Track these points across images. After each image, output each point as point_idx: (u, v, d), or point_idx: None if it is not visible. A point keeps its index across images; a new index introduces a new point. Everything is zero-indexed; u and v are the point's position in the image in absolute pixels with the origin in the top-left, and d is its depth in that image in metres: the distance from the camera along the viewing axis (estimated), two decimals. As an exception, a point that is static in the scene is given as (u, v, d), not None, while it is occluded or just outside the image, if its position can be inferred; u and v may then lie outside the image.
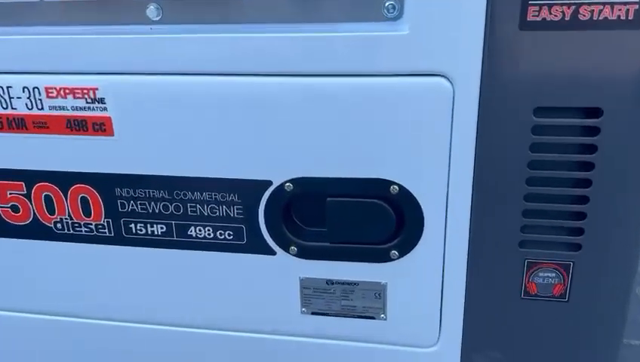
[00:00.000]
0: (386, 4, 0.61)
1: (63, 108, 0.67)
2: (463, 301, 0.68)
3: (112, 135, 0.67)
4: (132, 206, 0.71)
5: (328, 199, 0.65)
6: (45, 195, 0.73)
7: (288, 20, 0.63)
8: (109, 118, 0.67)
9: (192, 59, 0.64)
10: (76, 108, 0.67)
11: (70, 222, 0.73)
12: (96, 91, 0.66)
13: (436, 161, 0.62)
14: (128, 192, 0.70)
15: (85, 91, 0.66)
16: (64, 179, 0.71)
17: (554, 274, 0.64)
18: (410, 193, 0.63)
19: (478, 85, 0.58)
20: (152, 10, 0.66)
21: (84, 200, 0.72)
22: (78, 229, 0.74)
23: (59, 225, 0.74)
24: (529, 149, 0.60)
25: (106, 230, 0.73)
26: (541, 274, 0.64)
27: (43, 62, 0.67)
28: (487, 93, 0.58)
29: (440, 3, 0.56)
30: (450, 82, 0.59)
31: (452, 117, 0.60)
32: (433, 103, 0.60)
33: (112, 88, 0.65)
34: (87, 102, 0.66)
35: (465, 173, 0.62)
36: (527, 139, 0.59)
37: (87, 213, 0.73)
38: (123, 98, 0.66)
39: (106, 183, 0.70)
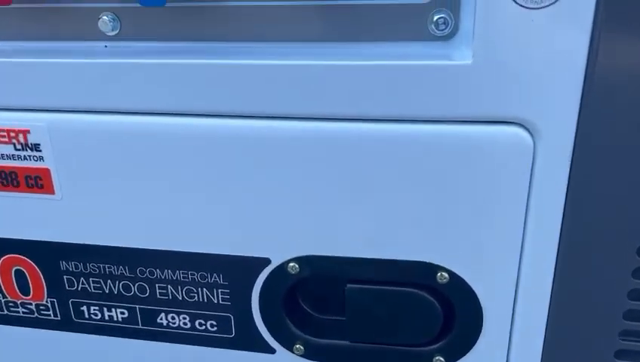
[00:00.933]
0: (435, 17, 0.43)
1: (-17, 155, 0.49)
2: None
3: (53, 192, 0.49)
4: (83, 284, 0.53)
5: (348, 286, 0.47)
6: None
7: (298, 38, 0.45)
8: (47, 170, 0.49)
9: (163, 91, 0.45)
10: (1, 157, 0.49)
11: (3, 301, 0.56)
12: (28, 135, 0.47)
13: (504, 240, 0.44)
14: (77, 267, 0.52)
15: (13, 134, 0.48)
16: (-8, 247, 0.53)
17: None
18: (465, 282, 0.45)
19: (572, 143, 0.40)
20: (105, 23, 0.48)
21: (19, 275, 0.54)
22: (14, 310, 0.56)
23: (-11, 304, 0.56)
24: (640, 231, 0.42)
25: (51, 312, 0.55)
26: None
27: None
28: (583, 153, 0.40)
29: (515, 17, 0.38)
30: (530, 134, 0.41)
31: (530, 181, 0.41)
32: (504, 160, 0.41)
33: (50, 130, 0.47)
34: (15, 149, 0.48)
35: (544, 257, 0.44)
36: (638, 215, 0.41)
37: (25, 291, 0.55)
38: (65, 144, 0.47)
39: (47, 254, 0.52)
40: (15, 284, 0.54)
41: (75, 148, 0.47)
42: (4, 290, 0.55)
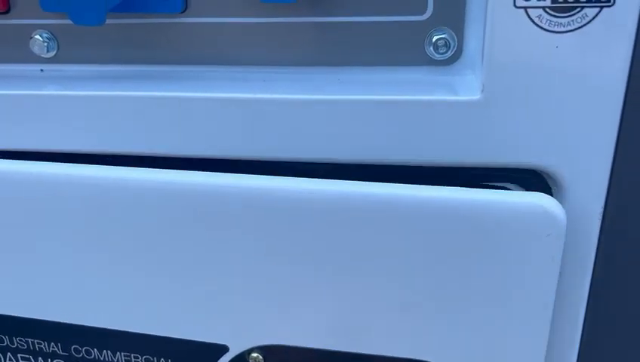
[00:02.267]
0: (434, 38, 0.35)
1: None
2: None
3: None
4: (10, 360, 0.44)
5: None
6: None
7: (268, 62, 0.37)
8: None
9: (101, 128, 0.37)
10: None
11: None
12: None
13: (525, 344, 0.35)
14: (2, 341, 0.43)
15: None
16: None
17: None
18: None
19: (603, 204, 0.32)
20: (39, 43, 0.40)
21: None
22: None
23: None
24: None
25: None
26: None
27: None
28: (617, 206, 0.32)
29: (534, 42, 0.31)
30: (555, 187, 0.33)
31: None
32: (532, 236, 0.31)
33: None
34: None
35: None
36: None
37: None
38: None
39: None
40: None
41: None
42: None
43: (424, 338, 0.35)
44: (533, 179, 0.33)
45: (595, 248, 0.33)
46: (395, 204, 0.32)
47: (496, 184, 0.34)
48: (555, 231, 0.30)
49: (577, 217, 0.32)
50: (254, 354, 0.38)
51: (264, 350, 0.38)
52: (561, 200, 0.32)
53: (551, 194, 0.33)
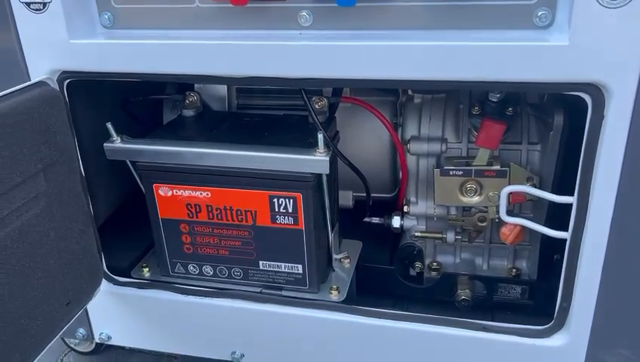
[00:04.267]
0: (539, 13, 0.63)
1: None
2: (595, 301, 0.70)
3: None
4: None
5: None
6: None
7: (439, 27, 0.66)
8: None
9: (341, 61, 0.67)
10: None
11: None
12: None
13: None
14: None
15: None
16: None
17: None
18: None
19: (633, 97, 0.60)
20: (303, 17, 0.69)
21: None
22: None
23: None
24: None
25: None
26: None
27: None
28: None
29: (599, 14, 0.58)
30: (607, 93, 0.61)
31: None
32: None
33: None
34: None
35: (611, 179, 0.64)
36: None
37: None
38: None
39: None
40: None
41: None
42: None
43: None
44: (593, 89, 0.61)
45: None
46: None
47: (571, 93, 0.62)
48: None
49: (617, 112, 0.60)
50: None
51: None
52: (608, 103, 0.60)
53: (603, 98, 0.61)
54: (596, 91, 0.61)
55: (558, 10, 0.62)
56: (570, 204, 0.68)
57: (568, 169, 0.74)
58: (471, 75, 0.63)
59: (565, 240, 0.70)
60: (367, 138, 0.97)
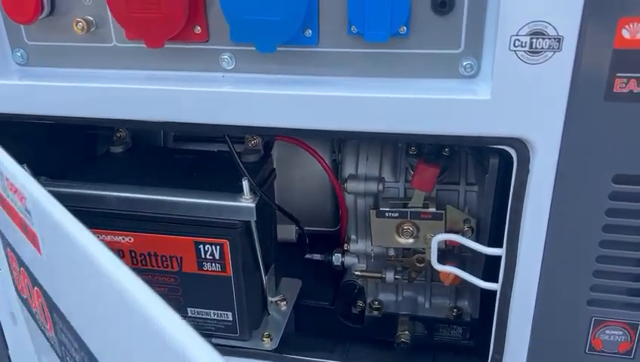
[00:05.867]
0: (464, 63, 0.61)
1: None
2: (526, 351, 0.69)
3: None
4: None
5: None
6: None
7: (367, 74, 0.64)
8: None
9: (262, 109, 0.64)
10: None
11: None
12: None
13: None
14: None
15: None
16: None
17: (621, 333, 0.65)
18: None
19: (557, 151, 0.59)
20: (225, 60, 0.66)
21: None
22: None
23: None
24: (605, 214, 0.60)
25: None
26: (608, 332, 0.65)
27: None
28: (565, 161, 0.59)
29: (521, 69, 0.56)
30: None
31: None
32: None
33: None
34: None
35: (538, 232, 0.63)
36: (604, 204, 0.60)
37: None
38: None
39: None
40: None
41: None
42: None
43: None
44: (519, 144, 0.60)
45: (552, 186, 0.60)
46: None
47: (496, 147, 0.60)
48: None
49: (542, 166, 0.59)
50: None
51: None
52: (533, 157, 0.58)
53: (528, 153, 0.59)
54: (521, 146, 0.60)
55: (483, 60, 0.61)
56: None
57: (504, 213, 0.73)
58: (389, 128, 0.61)
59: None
60: (309, 171, 0.95)
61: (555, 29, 0.53)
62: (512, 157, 0.62)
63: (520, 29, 0.54)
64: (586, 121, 0.57)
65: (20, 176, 0.55)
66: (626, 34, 0.52)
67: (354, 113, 0.61)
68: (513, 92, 0.57)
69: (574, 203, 0.61)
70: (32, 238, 0.56)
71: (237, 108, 0.64)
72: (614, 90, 0.55)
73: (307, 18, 0.61)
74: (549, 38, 0.54)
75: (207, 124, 0.66)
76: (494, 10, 0.56)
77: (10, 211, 0.60)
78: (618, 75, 0.54)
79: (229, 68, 0.66)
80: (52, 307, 0.59)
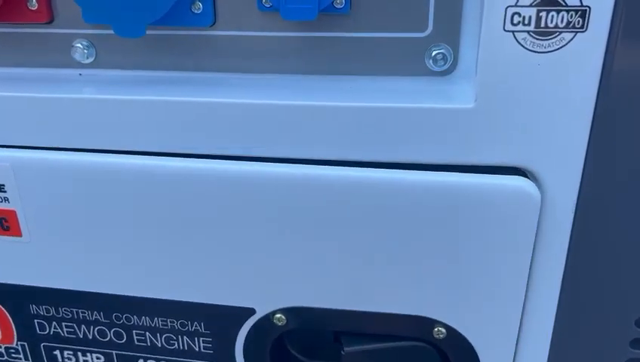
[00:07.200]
0: (434, 53, 0.40)
1: (-58, 197, 0.45)
2: None
3: (20, 235, 0.45)
4: (55, 328, 0.49)
5: (346, 350, 0.44)
6: None
7: (289, 71, 0.42)
8: (13, 212, 0.45)
9: (141, 127, 0.42)
10: (-39, 199, 0.45)
11: (-31, 345, 0.52)
12: (-10, 176, 0.43)
13: (505, 295, 0.41)
14: (48, 311, 0.48)
15: (-28, 176, 0.44)
16: (-46, 290, 0.49)
17: None
18: (464, 338, 0.43)
19: (577, 190, 0.38)
20: (79, 51, 0.44)
21: (-15, 320, 0.50)
22: (-20, 355, 0.52)
23: (-46, 347, 0.52)
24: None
25: (21, 355, 0.51)
26: None
27: None
28: (589, 203, 0.38)
29: (520, 60, 0.36)
30: (536, 184, 0.38)
31: (536, 234, 0.39)
32: (509, 213, 0.38)
33: (15, 170, 0.43)
34: (-24, 192, 0.44)
35: (546, 313, 0.42)
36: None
37: (-7, 335, 0.51)
38: (32, 184, 0.43)
39: (15, 297, 0.48)
40: (-19, 329, 0.50)
41: (43, 188, 0.43)
42: (-32, 335, 0.51)
43: (422, 297, 0.42)
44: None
45: (570, 229, 0.39)
46: (403, 187, 0.38)
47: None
48: (531, 203, 0.37)
49: (552, 209, 0.38)
50: (278, 315, 0.44)
51: (287, 311, 0.44)
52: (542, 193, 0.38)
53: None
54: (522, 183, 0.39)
55: (462, 47, 0.40)
56: None
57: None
58: (315, 153, 0.40)
59: None
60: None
61: (577, -6, 0.33)
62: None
63: (520, -4, 0.33)
64: (624, 143, 0.36)
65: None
66: (693, 2, 0.32)
67: (263, 130, 0.40)
68: (510, 98, 0.36)
69: (601, 265, 0.40)
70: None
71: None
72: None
73: (194, -15, 0.40)
74: (568, 11, 0.33)
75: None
76: (478, -32, 0.36)
77: None
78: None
79: (87, 62, 0.44)
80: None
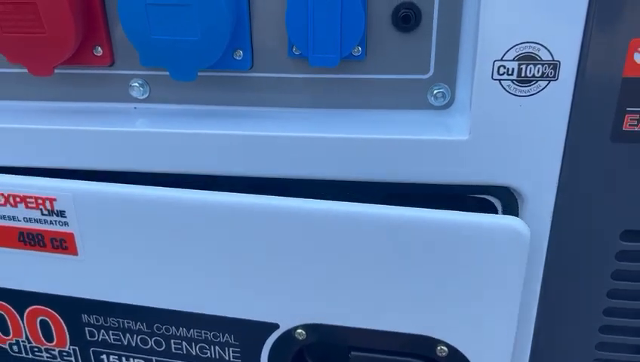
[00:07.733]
0: (435, 91, 0.49)
1: (13, 218, 0.52)
2: None
3: (76, 253, 0.52)
4: (103, 335, 0.56)
5: (352, 354, 0.52)
6: (-4, 314, 0.58)
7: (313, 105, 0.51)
8: (71, 235, 0.52)
9: (183, 158, 0.50)
10: (29, 220, 0.52)
11: (28, 345, 0.58)
12: (54, 202, 0.50)
13: (501, 317, 0.48)
14: (97, 320, 0.56)
15: (40, 201, 0.51)
16: (18, 299, 0.56)
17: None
18: (464, 357, 0.50)
19: (552, 202, 0.47)
20: (135, 88, 0.52)
21: (44, 324, 0.57)
22: (38, 354, 0.59)
23: (15, 348, 0.59)
24: (610, 277, 0.49)
25: (72, 358, 0.58)
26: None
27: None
28: (562, 214, 0.47)
29: (505, 102, 0.45)
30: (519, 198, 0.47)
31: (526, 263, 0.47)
32: (503, 249, 0.46)
33: (76, 199, 0.50)
34: (42, 214, 0.51)
35: (527, 301, 0.51)
36: (610, 265, 0.49)
37: (49, 338, 0.58)
38: (89, 212, 0.51)
39: (69, 307, 0.56)
40: (40, 332, 0.57)
41: (98, 215, 0.51)
42: (29, 336, 0.58)
43: (427, 319, 0.49)
44: (504, 193, 0.48)
45: (547, 238, 0.48)
46: (408, 224, 0.46)
47: (478, 196, 0.48)
48: (522, 243, 0.45)
49: (533, 218, 0.47)
50: (299, 330, 0.52)
51: (307, 327, 0.51)
52: (523, 208, 0.46)
53: (516, 203, 0.47)
54: (507, 195, 0.47)
55: (458, 87, 0.49)
56: None
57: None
58: (339, 174, 0.49)
59: None
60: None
61: (549, 52, 0.42)
62: (495, 208, 0.50)
63: (505, 53, 0.42)
64: (588, 165, 0.45)
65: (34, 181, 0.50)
66: (638, 59, 0.41)
67: (298, 156, 0.48)
68: (497, 131, 0.45)
69: (573, 265, 0.49)
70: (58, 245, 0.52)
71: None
72: (624, 129, 0.43)
73: (236, 37, 0.48)
74: (543, 64, 0.42)
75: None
76: (472, 27, 0.44)
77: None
78: (629, 109, 0.43)
79: (141, 97, 0.52)
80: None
